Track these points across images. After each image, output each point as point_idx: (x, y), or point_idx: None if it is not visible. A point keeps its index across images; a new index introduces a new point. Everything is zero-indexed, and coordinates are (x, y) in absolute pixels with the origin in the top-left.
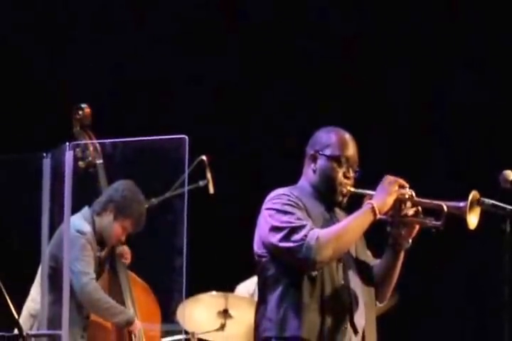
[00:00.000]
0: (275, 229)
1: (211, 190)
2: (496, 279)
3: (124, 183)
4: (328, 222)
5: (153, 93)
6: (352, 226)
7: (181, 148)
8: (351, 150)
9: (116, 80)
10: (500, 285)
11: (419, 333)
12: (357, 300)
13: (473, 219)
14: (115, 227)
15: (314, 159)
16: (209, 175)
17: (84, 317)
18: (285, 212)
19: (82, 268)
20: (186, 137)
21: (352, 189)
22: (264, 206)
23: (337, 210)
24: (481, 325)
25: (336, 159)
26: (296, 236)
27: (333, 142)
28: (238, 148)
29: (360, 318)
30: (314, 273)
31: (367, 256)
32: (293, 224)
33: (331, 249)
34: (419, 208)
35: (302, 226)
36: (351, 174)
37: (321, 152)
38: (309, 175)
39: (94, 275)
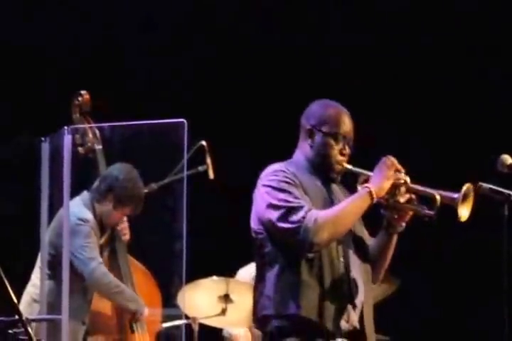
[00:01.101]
0: (272, 206)
1: (211, 176)
2: (495, 263)
3: (123, 170)
4: (324, 197)
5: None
6: (350, 210)
7: (180, 131)
8: (348, 126)
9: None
10: (499, 269)
11: (417, 318)
12: (355, 277)
13: (464, 212)
14: (115, 215)
15: (311, 134)
16: (209, 161)
17: (87, 303)
18: (282, 190)
19: (88, 255)
20: (185, 121)
21: (348, 166)
22: (260, 182)
23: (333, 185)
24: (481, 310)
25: (333, 136)
26: (294, 218)
27: (331, 118)
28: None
29: (359, 294)
30: (311, 256)
31: (364, 234)
32: (290, 204)
33: (328, 232)
34: (413, 196)
35: (300, 207)
36: (347, 151)
37: (318, 128)
38: (305, 149)
39: (101, 260)
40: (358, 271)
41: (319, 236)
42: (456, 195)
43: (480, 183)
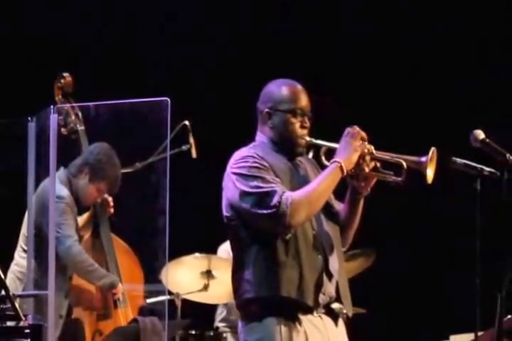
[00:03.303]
0: (246, 194)
1: (194, 155)
2: (469, 235)
3: (100, 146)
4: (293, 175)
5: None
6: (322, 187)
7: (163, 110)
8: (304, 99)
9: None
10: (472, 240)
11: (393, 288)
12: (330, 247)
13: (430, 174)
14: (90, 189)
15: (269, 116)
16: (192, 140)
17: (67, 279)
18: (253, 177)
19: (64, 232)
20: (168, 99)
21: (310, 139)
22: (230, 169)
23: (300, 159)
24: (454, 280)
25: (291, 112)
26: (269, 203)
27: (286, 96)
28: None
29: (334, 263)
30: (288, 237)
31: (331, 199)
32: (263, 189)
33: (304, 214)
34: (378, 163)
35: (273, 192)
36: (307, 123)
37: (275, 108)
38: (266, 131)
39: (77, 238)
40: (331, 236)
41: (296, 219)
42: (423, 159)
43: (454, 158)
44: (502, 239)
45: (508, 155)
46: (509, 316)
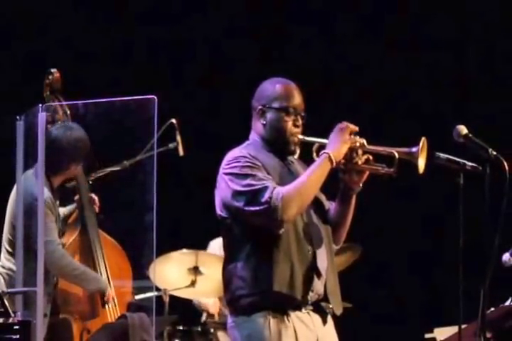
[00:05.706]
0: (238, 193)
1: (181, 152)
2: (452, 230)
3: (54, 134)
4: (285, 173)
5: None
6: (312, 179)
7: (151, 108)
8: (297, 98)
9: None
10: (456, 235)
11: (378, 282)
12: (319, 244)
13: (421, 164)
14: (70, 173)
15: (263, 113)
16: (179, 138)
17: (50, 279)
18: (245, 175)
19: (45, 238)
20: (155, 97)
21: (302, 137)
22: (223, 170)
23: (291, 159)
24: (438, 276)
25: (284, 110)
26: (261, 199)
27: (279, 93)
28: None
29: (323, 262)
30: (281, 231)
31: (321, 196)
32: (255, 187)
33: (295, 207)
34: (370, 156)
35: (265, 188)
36: (300, 122)
37: (268, 105)
38: (259, 129)
39: (59, 241)
40: (321, 234)
41: (288, 213)
42: (414, 149)
43: (437, 153)
44: (485, 233)
45: (490, 149)
46: (492, 309)
